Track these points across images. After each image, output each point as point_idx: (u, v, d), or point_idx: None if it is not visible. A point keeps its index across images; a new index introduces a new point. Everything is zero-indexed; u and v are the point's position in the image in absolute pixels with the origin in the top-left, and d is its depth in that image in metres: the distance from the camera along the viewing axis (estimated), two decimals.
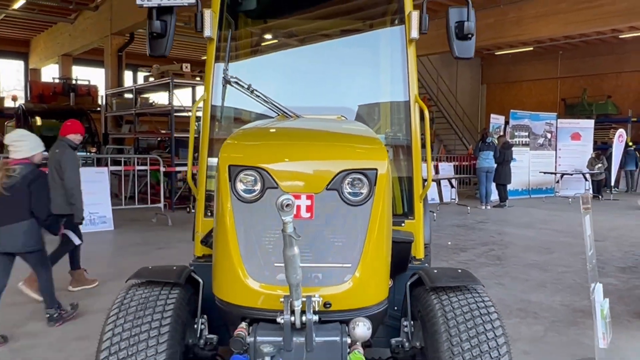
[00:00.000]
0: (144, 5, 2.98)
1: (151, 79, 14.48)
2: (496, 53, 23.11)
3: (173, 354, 2.27)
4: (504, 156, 13.71)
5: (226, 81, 3.20)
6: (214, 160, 2.97)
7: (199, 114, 3.43)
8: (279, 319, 2.17)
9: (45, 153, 5.14)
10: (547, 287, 6.26)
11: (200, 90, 15.67)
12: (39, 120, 16.68)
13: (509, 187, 14.40)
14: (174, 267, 2.67)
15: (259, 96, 3.16)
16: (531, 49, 22.04)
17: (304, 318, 2.15)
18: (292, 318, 2.15)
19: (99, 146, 16.27)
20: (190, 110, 10.32)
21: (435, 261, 6.05)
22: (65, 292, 5.54)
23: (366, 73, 3.80)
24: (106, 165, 10.97)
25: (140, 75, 22.43)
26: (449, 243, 8.86)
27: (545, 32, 15.80)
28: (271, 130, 2.94)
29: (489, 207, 13.62)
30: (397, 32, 3.41)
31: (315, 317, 2.17)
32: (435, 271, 2.70)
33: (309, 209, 2.33)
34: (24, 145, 4.66)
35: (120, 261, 7.17)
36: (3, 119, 19.41)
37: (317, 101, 3.62)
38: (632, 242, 9.18)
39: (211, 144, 3.26)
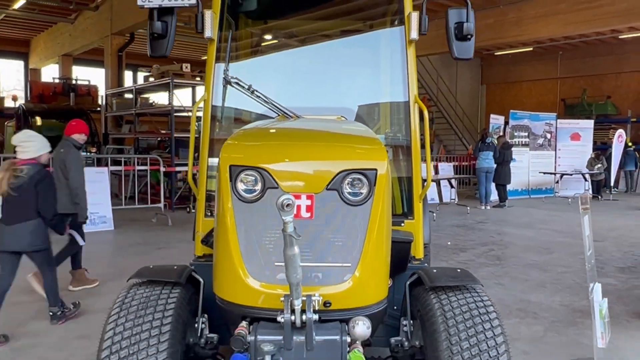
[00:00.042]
0: (145, 6, 2.99)
1: (151, 79, 14.48)
2: (496, 53, 23.12)
3: (174, 353, 2.28)
4: (503, 156, 13.71)
5: (227, 81, 3.22)
6: (214, 161, 2.99)
7: (200, 114, 3.45)
8: (279, 318, 2.18)
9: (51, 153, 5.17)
10: (547, 287, 6.27)
11: (200, 90, 15.69)
12: (39, 120, 16.64)
13: (509, 187, 14.41)
14: (175, 267, 2.68)
15: (259, 96, 3.18)
16: (531, 49, 22.04)
17: (304, 317, 2.16)
18: (293, 317, 2.17)
19: (99, 146, 16.25)
20: (190, 111, 10.34)
21: (434, 261, 6.07)
22: (65, 291, 5.55)
23: (366, 74, 3.81)
24: (106, 165, 10.99)
25: (140, 75, 22.42)
26: (449, 243, 8.86)
27: (545, 32, 15.80)
28: (271, 130, 2.96)
29: (488, 207, 13.62)
30: (397, 32, 3.43)
31: (315, 316, 2.18)
32: (435, 271, 2.71)
33: (309, 208, 2.35)
34: (32, 145, 4.69)
35: (121, 261, 7.18)
36: (3, 119, 19.38)
37: (317, 101, 3.63)
38: (631, 242, 9.18)
39: (212, 144, 3.27)
